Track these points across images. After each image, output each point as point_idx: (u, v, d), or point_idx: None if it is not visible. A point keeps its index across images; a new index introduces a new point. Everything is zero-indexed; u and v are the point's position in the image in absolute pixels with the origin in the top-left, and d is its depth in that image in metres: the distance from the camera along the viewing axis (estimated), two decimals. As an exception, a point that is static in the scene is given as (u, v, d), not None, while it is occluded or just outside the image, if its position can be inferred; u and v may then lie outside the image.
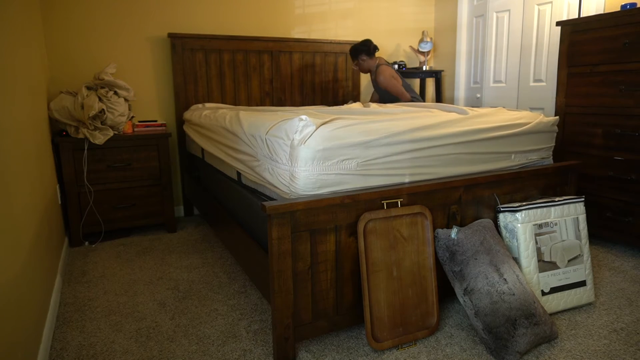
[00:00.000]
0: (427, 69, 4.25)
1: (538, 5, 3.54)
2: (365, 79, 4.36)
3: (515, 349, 1.64)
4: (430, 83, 4.62)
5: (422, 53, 4.29)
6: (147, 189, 3.13)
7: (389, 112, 2.67)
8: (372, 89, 4.44)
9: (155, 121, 3.25)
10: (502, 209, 2.02)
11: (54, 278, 2.20)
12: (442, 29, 4.51)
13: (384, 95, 3.62)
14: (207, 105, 3.38)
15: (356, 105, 3.61)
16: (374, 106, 3.38)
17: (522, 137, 2.16)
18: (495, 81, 4.00)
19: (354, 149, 1.71)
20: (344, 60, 4.12)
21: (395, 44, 4.44)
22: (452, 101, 4.51)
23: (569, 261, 2.02)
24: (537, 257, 1.96)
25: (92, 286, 2.37)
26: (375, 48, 3.59)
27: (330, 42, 3.99)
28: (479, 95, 4.18)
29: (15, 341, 1.32)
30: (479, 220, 1.96)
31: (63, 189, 3.04)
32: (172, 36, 3.38)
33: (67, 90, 2.94)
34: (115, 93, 2.96)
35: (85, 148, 2.89)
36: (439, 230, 1.89)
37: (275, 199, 1.83)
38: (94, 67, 3.30)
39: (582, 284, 2.03)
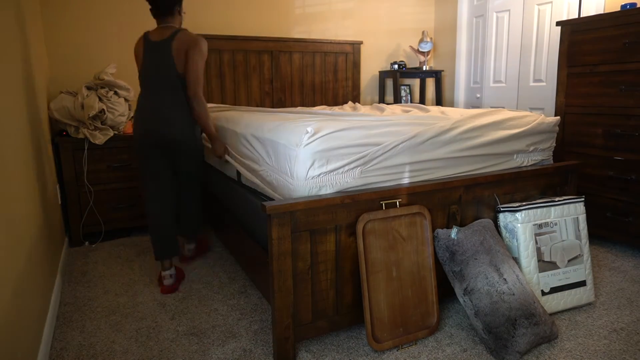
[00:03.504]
0: (427, 69, 4.25)
1: (538, 5, 3.54)
2: (365, 79, 4.36)
3: (515, 349, 1.64)
4: (430, 83, 4.62)
5: (422, 53, 4.29)
6: (147, 189, 3.13)
7: (387, 113, 2.68)
8: (373, 88, 4.43)
9: (155, 121, 3.25)
10: (502, 209, 2.02)
11: (54, 278, 2.20)
12: (442, 29, 4.51)
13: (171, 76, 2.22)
14: (208, 105, 3.38)
15: (348, 107, 3.61)
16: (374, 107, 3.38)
17: (523, 138, 2.16)
18: (495, 81, 4.00)
19: (354, 151, 1.71)
20: (344, 60, 4.12)
21: (395, 44, 4.44)
22: (452, 101, 4.51)
23: (569, 261, 2.02)
24: (537, 257, 1.96)
25: (92, 286, 2.37)
26: None
27: (330, 42, 3.99)
28: (478, 95, 4.18)
29: (16, 341, 1.32)
30: (479, 220, 1.96)
31: (63, 189, 3.04)
32: (172, 36, 3.38)
33: (67, 90, 2.94)
34: (116, 93, 2.96)
35: (85, 148, 2.89)
36: (439, 230, 1.89)
37: (275, 199, 1.83)
38: (94, 67, 3.30)
39: (582, 284, 2.03)
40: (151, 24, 3.44)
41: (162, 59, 2.17)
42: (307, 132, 1.66)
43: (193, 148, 2.28)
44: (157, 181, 2.28)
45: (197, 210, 2.55)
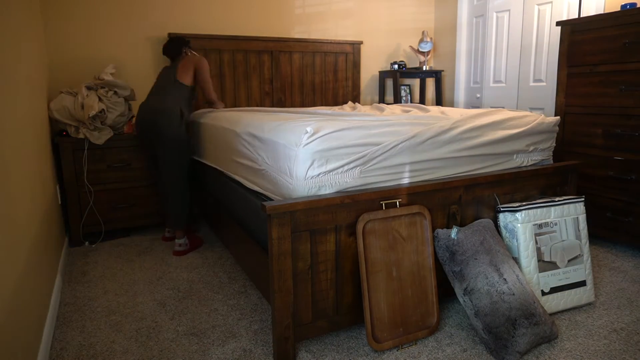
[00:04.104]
0: (427, 69, 4.25)
1: (538, 5, 3.54)
2: (365, 79, 4.36)
3: (515, 349, 1.65)
4: (430, 83, 4.62)
5: (422, 53, 4.29)
6: (147, 189, 3.13)
7: (387, 113, 2.68)
8: (373, 88, 4.43)
9: (155, 121, 3.25)
10: (502, 209, 2.02)
11: (54, 278, 2.20)
12: (442, 29, 4.51)
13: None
14: (208, 110, 3.38)
15: (348, 107, 3.61)
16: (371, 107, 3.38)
17: (523, 138, 2.16)
18: (495, 81, 4.00)
19: (353, 151, 1.71)
20: (344, 60, 4.12)
21: (395, 44, 4.44)
22: (452, 101, 4.51)
23: (569, 261, 2.02)
24: (537, 257, 1.96)
25: (92, 286, 2.37)
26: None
27: (330, 42, 3.99)
28: (479, 95, 4.18)
29: (16, 341, 1.32)
30: (479, 220, 1.96)
31: (63, 189, 3.04)
32: (172, 36, 3.38)
33: (67, 90, 2.94)
34: (115, 93, 2.96)
35: (85, 148, 2.89)
36: (439, 230, 1.89)
37: (275, 199, 1.83)
38: (94, 67, 3.30)
39: (582, 284, 2.03)
40: (151, 24, 3.44)
41: (169, 72, 2.79)
42: (307, 132, 1.66)
43: (171, 139, 2.63)
44: (151, 162, 2.92)
45: (175, 204, 2.75)
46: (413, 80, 4.59)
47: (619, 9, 2.93)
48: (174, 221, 2.77)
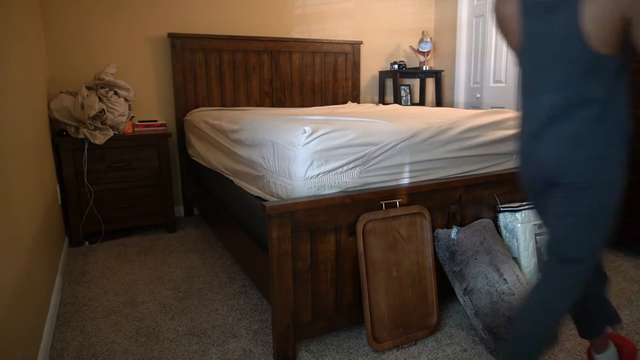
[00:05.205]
0: (427, 69, 4.25)
1: (538, 5, 3.53)
2: (365, 79, 4.36)
3: (515, 349, 1.64)
4: (430, 83, 4.62)
5: (422, 53, 4.29)
6: (147, 189, 3.13)
7: (386, 113, 2.68)
8: (373, 88, 4.43)
9: (155, 121, 3.25)
10: (502, 209, 2.02)
11: (54, 278, 2.20)
12: (442, 29, 4.51)
13: None
14: (207, 109, 3.38)
15: (350, 106, 3.62)
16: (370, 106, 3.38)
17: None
18: (495, 81, 4.00)
19: (352, 151, 1.71)
20: (344, 60, 4.12)
21: (395, 44, 4.44)
22: (452, 101, 4.51)
23: (568, 261, 2.01)
24: (537, 257, 1.95)
25: (92, 286, 2.37)
26: None
27: (330, 42, 3.99)
28: (478, 95, 4.18)
29: (16, 341, 1.32)
30: (479, 220, 1.96)
31: (63, 189, 3.04)
32: (172, 36, 3.38)
33: (67, 90, 2.94)
34: (116, 93, 2.96)
35: (85, 148, 2.89)
36: (439, 230, 1.89)
37: (275, 199, 1.83)
38: (94, 67, 3.30)
39: (582, 284, 2.03)
40: (151, 24, 3.43)
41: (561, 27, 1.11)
42: (305, 132, 1.66)
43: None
44: None
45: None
46: (413, 80, 4.59)
47: (618, 9, 2.93)
48: None
